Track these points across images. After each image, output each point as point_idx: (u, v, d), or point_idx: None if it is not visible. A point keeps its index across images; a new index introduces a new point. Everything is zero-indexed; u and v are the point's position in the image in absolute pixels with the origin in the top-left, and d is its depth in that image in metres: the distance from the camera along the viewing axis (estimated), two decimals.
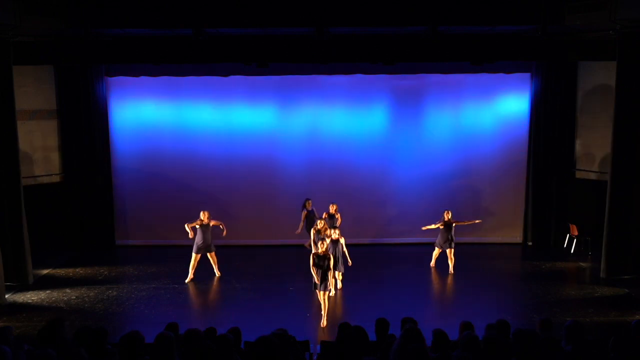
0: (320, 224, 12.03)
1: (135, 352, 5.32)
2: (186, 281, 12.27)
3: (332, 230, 11.50)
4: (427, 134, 15.07)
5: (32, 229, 12.54)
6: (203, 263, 12.44)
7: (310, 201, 13.77)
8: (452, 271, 12.85)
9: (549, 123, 14.69)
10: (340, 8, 11.77)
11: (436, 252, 13.15)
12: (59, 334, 6.02)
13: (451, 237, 12.85)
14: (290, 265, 13.00)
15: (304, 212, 13.74)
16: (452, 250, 12.92)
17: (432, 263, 13.27)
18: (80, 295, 11.64)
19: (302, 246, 13.80)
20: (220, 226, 12.46)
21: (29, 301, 11.34)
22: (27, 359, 5.43)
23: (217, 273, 12.56)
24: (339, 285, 11.74)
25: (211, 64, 13.95)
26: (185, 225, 12.10)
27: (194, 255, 12.30)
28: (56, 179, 14.65)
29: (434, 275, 12.96)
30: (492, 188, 15.20)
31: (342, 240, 11.45)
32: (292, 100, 14.99)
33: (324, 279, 10.21)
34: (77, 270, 13.27)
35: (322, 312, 10.29)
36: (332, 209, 13.27)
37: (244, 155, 14.96)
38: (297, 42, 12.96)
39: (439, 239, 13.01)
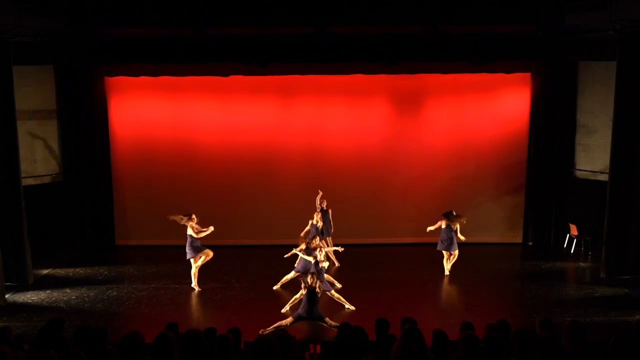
0: (315, 242, 11.26)
1: (135, 352, 5.32)
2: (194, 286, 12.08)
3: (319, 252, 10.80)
4: (426, 134, 15.05)
5: (32, 229, 12.55)
6: (205, 266, 12.38)
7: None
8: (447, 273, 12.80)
9: (549, 123, 14.69)
10: (340, 8, 11.77)
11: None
12: (59, 334, 6.02)
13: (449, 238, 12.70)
14: (290, 265, 12.97)
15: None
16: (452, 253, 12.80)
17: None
18: (80, 295, 11.64)
19: None
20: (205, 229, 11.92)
21: (29, 301, 11.34)
22: (27, 359, 5.43)
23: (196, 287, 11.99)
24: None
25: (211, 64, 13.93)
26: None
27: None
28: (56, 179, 14.65)
29: (433, 275, 12.94)
30: (492, 188, 15.20)
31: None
32: (292, 100, 14.99)
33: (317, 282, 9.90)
34: (77, 270, 13.27)
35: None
36: (323, 203, 13.08)
37: (243, 156, 14.95)
38: (297, 42, 12.97)
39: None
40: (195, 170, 15.00)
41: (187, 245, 11.91)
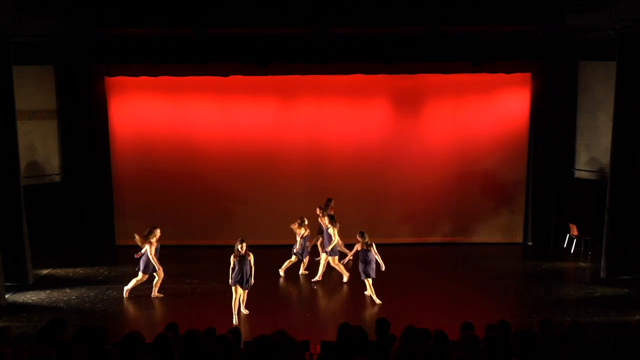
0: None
1: (135, 352, 5.33)
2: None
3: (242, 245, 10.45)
4: (427, 134, 15.05)
5: (32, 229, 12.53)
6: (202, 265, 12.39)
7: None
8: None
9: (549, 123, 14.68)
10: (340, 8, 11.77)
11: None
12: (59, 334, 6.01)
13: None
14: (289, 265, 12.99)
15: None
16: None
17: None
18: (80, 295, 11.64)
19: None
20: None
21: (29, 301, 11.34)
22: (27, 359, 5.43)
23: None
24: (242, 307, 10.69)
25: (211, 64, 13.93)
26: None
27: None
28: (56, 179, 14.65)
29: (433, 275, 12.95)
30: (492, 188, 15.19)
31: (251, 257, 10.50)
32: (292, 100, 14.98)
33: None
34: (77, 270, 13.26)
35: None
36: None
37: (244, 156, 14.94)
38: (297, 42, 12.97)
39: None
40: (195, 170, 14.99)
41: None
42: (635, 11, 10.84)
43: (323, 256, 12.36)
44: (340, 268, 12.27)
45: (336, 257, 12.21)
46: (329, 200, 13.57)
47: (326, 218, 12.26)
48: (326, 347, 6.98)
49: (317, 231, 13.19)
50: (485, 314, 10.08)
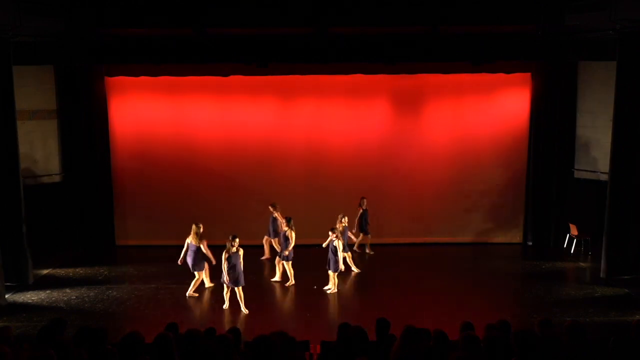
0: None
1: (135, 352, 5.32)
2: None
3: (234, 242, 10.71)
4: (427, 134, 15.04)
5: (32, 229, 12.54)
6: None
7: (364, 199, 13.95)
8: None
9: (549, 123, 14.68)
10: (340, 8, 11.78)
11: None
12: (59, 334, 6.01)
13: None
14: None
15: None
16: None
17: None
18: (80, 295, 11.64)
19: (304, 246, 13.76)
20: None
21: (29, 301, 11.34)
22: (27, 359, 5.42)
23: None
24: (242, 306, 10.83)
25: (211, 64, 13.94)
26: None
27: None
28: (56, 179, 14.65)
29: (433, 275, 12.95)
30: (492, 188, 15.18)
31: (241, 253, 10.80)
32: (292, 100, 14.98)
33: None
34: (77, 270, 13.26)
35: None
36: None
37: (244, 156, 14.95)
38: (297, 42, 12.98)
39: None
40: (195, 170, 14.99)
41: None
42: (635, 11, 10.84)
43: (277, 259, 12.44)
44: (290, 273, 12.22)
45: (289, 262, 12.17)
46: (362, 198, 13.77)
47: (284, 220, 12.25)
48: (326, 347, 6.98)
49: (268, 231, 13.43)
50: (485, 314, 10.08)
